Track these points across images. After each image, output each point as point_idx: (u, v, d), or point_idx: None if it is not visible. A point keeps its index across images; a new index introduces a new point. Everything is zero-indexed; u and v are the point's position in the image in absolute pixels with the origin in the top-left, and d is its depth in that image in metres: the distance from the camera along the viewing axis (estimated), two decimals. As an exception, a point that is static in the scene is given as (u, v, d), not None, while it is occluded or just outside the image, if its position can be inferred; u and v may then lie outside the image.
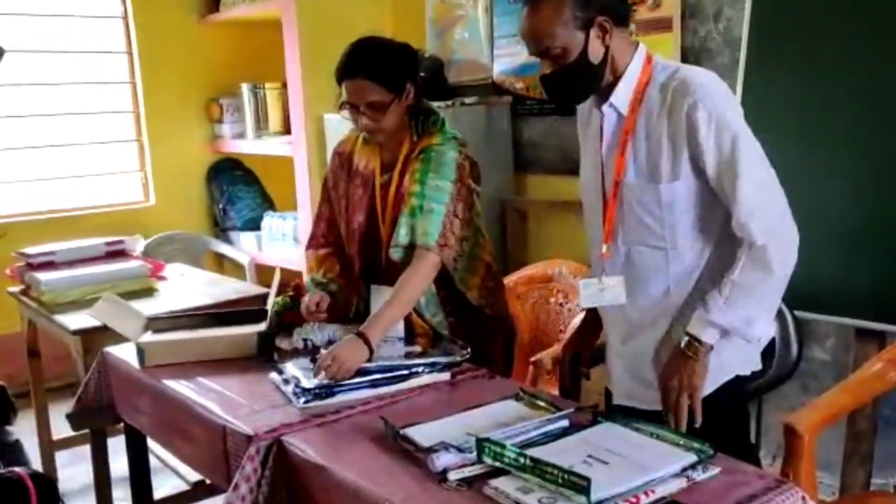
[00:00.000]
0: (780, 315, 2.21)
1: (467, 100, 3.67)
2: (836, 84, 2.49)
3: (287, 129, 4.27)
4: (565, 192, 3.37)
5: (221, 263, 4.56)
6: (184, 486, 2.89)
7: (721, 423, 1.63)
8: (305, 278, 2.31)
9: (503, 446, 1.37)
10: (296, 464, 1.57)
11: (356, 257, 2.19)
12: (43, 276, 2.82)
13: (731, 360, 1.68)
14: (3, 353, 3.14)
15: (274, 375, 1.91)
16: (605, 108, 1.70)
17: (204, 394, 1.86)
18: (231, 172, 4.71)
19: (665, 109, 1.61)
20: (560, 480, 1.28)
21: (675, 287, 1.68)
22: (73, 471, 3.14)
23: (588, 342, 1.94)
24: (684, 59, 3.05)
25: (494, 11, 3.79)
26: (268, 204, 4.70)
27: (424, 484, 1.40)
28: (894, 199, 2.37)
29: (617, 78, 1.67)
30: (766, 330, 1.67)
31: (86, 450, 2.64)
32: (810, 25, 2.55)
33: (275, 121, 4.46)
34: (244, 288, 3.05)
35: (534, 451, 1.37)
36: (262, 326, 2.13)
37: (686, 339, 1.60)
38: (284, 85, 4.17)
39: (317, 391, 1.77)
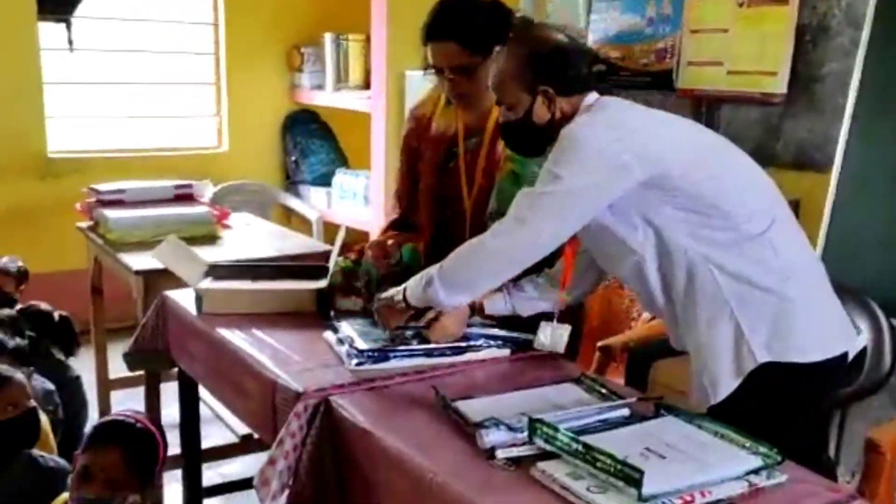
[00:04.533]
0: (874, 321, 2.15)
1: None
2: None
3: (367, 84, 4.31)
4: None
5: (289, 217, 4.66)
6: (232, 439, 3.00)
7: (753, 418, 1.51)
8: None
9: (556, 429, 1.38)
10: (342, 426, 1.61)
11: (427, 225, 2.17)
12: (111, 213, 2.94)
13: (747, 342, 1.59)
14: (69, 290, 3.29)
15: (329, 334, 1.95)
16: None
17: (258, 346, 1.91)
18: (307, 124, 4.79)
19: None
20: (612, 470, 1.28)
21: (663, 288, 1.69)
22: (127, 411, 3.28)
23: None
24: (799, 38, 2.93)
25: (595, -27, 3.72)
26: (341, 160, 4.76)
27: (471, 460, 1.41)
28: None
29: None
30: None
31: (140, 392, 2.76)
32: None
33: (355, 74, 4.51)
34: (309, 244, 3.12)
35: (588, 438, 1.37)
36: (323, 283, 2.18)
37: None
38: (368, 38, 4.21)
39: (370, 354, 1.80)
